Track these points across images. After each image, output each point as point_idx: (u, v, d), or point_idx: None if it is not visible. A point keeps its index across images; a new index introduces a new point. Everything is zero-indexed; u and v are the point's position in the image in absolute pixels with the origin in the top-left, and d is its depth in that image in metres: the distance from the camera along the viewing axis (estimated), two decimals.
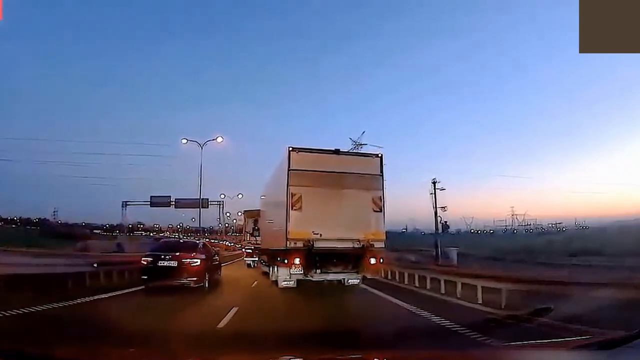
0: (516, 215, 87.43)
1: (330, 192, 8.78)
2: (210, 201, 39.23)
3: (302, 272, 8.69)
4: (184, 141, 26.52)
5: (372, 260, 8.96)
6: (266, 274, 12.77)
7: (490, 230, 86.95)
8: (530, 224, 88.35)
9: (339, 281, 9.85)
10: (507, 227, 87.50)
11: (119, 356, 2.36)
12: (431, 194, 28.60)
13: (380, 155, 9.56)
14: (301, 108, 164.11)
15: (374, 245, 8.86)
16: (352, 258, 8.91)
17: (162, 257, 9.17)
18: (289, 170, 8.68)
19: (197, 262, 9.37)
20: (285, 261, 8.73)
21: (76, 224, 69.91)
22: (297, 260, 8.50)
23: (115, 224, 60.67)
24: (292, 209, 8.49)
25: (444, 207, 29.20)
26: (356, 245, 8.73)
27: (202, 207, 33.45)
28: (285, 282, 9.21)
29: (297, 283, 9.16)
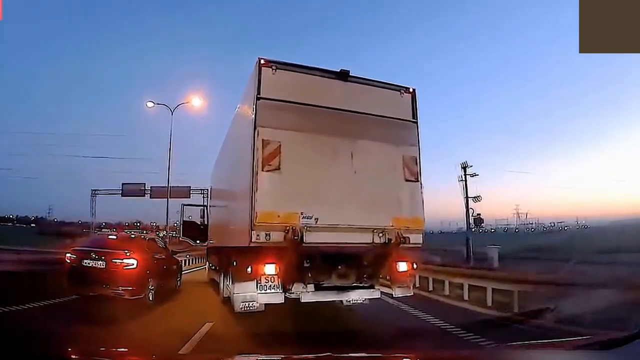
0: (519, 213, 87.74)
1: (331, 142, 5.27)
2: (193, 189, 34.07)
3: (279, 288, 5.18)
4: (150, 104, 21.88)
5: (402, 266, 5.64)
6: (216, 283, 8.57)
7: (492, 229, 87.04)
8: (532, 223, 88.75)
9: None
10: (508, 226, 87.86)
11: (118, 356, 2.37)
12: (460, 180, 23.58)
13: (412, 89, 5.91)
14: None
15: (409, 238, 5.34)
16: (370, 262, 5.59)
17: (90, 254, 6.76)
18: (257, 99, 5.01)
19: (132, 263, 6.68)
20: (248, 269, 5.11)
21: (72, 222, 70.56)
22: (269, 268, 5.00)
23: (113, 223, 61.12)
24: (262, 169, 4.82)
25: (476, 197, 23.51)
26: (379, 240, 5.20)
27: (184, 197, 30.01)
28: (245, 305, 5.37)
29: (265, 306, 5.34)
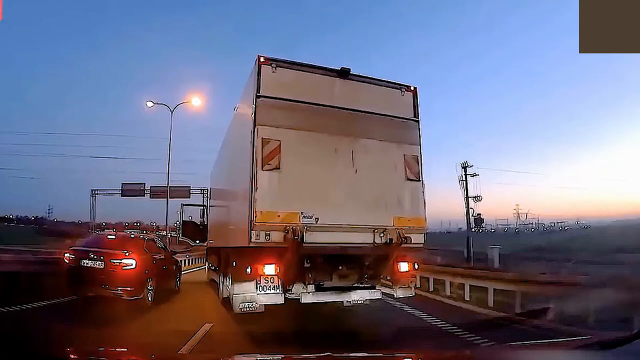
0: (519, 213, 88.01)
1: (332, 141, 5.21)
2: (193, 189, 33.52)
3: (279, 288, 5.10)
4: (150, 104, 22.10)
5: (404, 267, 5.67)
6: (215, 283, 8.56)
7: (492, 229, 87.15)
8: (532, 223, 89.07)
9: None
10: (508, 226, 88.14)
11: (117, 356, 2.37)
12: (461, 180, 23.83)
13: (413, 88, 5.89)
14: None
15: (410, 238, 5.27)
16: (371, 262, 5.56)
17: (88, 254, 6.68)
18: (256, 97, 4.98)
19: (130, 263, 6.64)
20: (248, 270, 5.07)
21: (72, 222, 70.74)
22: (269, 268, 4.99)
23: (113, 222, 61.32)
24: (262, 168, 4.78)
25: (476, 197, 23.82)
26: (380, 240, 5.16)
27: (184, 197, 29.76)
28: (245, 306, 5.29)
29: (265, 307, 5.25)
